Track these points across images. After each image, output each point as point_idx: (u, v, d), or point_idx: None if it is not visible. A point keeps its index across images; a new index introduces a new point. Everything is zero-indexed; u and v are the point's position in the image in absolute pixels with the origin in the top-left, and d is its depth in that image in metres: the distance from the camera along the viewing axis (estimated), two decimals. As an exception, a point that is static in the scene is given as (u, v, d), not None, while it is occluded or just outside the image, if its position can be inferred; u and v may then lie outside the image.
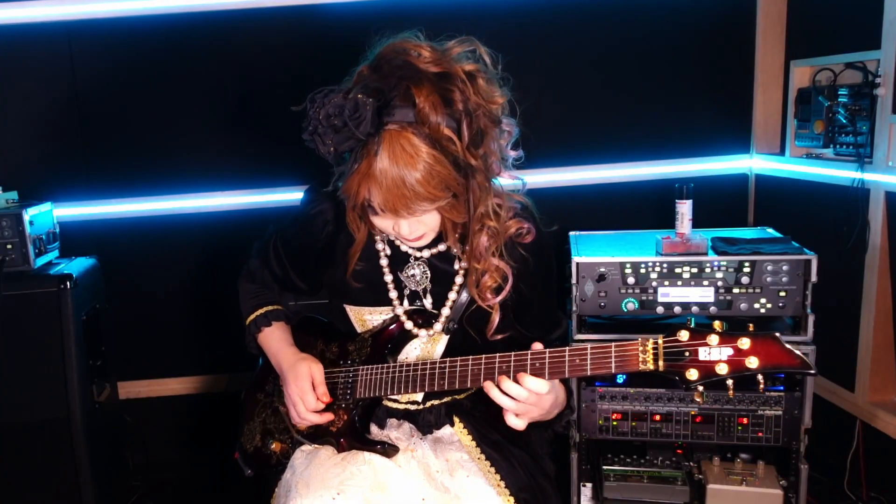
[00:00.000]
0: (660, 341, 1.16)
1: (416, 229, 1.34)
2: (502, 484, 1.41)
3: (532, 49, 2.66)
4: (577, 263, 2.03)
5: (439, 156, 1.22)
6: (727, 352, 1.12)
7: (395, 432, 1.51)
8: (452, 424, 1.51)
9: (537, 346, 1.29)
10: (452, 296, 1.47)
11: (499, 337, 1.49)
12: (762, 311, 1.97)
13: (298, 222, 1.55)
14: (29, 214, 2.17)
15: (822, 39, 2.43)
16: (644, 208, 2.71)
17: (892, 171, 2.11)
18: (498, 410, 1.37)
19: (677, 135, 2.74)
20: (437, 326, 1.47)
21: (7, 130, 2.63)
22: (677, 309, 2.01)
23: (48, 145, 2.65)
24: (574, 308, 2.05)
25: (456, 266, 1.47)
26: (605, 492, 2.05)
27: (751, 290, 1.97)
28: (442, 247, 1.47)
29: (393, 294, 1.48)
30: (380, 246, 1.49)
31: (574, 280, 2.04)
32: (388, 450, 1.43)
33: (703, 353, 1.13)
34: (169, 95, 2.66)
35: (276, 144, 2.74)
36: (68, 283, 2.14)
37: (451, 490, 1.38)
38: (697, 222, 2.08)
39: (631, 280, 2.02)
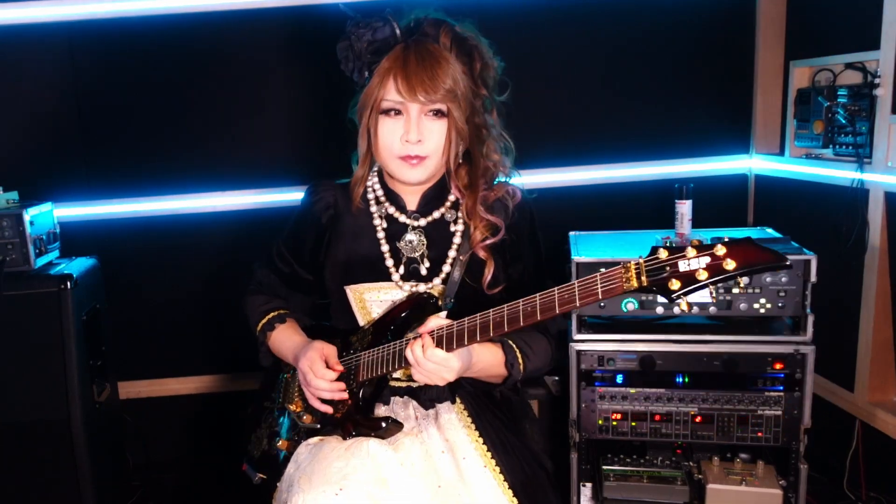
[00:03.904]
0: (641, 260, 1.21)
1: (421, 136, 1.44)
2: (498, 469, 1.44)
3: (532, 49, 2.66)
4: (577, 263, 2.03)
5: (458, 66, 1.44)
6: (705, 260, 1.17)
7: (402, 414, 1.54)
8: (453, 401, 1.55)
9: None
10: (446, 268, 1.54)
11: (496, 290, 1.54)
12: (762, 311, 1.97)
13: (301, 214, 1.65)
14: (29, 214, 2.17)
15: (821, 40, 2.43)
16: (644, 208, 2.71)
17: (892, 172, 2.11)
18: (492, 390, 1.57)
19: (677, 135, 2.74)
20: (437, 281, 1.54)
21: (7, 130, 2.63)
22: (677, 309, 2.01)
23: (48, 145, 2.65)
24: (574, 308, 2.05)
25: (452, 229, 1.56)
26: (605, 492, 2.05)
27: (750, 291, 1.97)
28: (437, 214, 1.57)
29: (389, 262, 1.55)
30: (377, 221, 1.58)
31: (574, 280, 2.04)
32: (392, 426, 1.45)
33: (683, 265, 1.18)
34: (169, 95, 2.66)
35: (277, 144, 2.74)
36: (68, 283, 2.14)
37: (453, 473, 1.41)
38: (697, 222, 2.08)
39: (631, 280, 2.02)
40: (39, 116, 2.64)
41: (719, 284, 1.18)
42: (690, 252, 1.18)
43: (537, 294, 1.30)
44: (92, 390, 2.29)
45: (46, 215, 2.30)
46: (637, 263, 1.21)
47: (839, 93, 2.26)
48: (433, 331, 1.38)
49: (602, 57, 2.69)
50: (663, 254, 1.20)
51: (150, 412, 2.82)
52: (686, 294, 1.18)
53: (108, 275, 2.52)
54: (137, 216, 2.70)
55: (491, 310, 1.34)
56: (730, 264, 1.15)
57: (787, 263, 1.16)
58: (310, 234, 1.63)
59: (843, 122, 2.23)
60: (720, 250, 1.16)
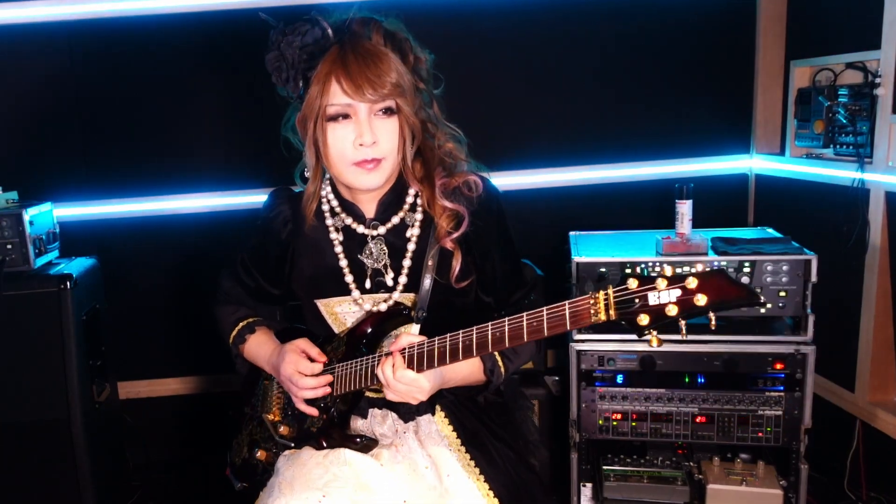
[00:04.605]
0: (609, 291, 1.17)
1: (375, 138, 1.37)
2: (482, 478, 1.42)
3: (531, 48, 2.66)
4: (577, 263, 2.03)
5: (398, 59, 1.37)
6: (676, 293, 1.12)
7: (380, 428, 1.51)
8: (433, 413, 1.51)
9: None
10: (407, 263, 1.48)
11: (464, 284, 1.48)
12: (762, 311, 1.97)
13: (260, 229, 1.59)
14: (29, 214, 2.16)
15: (822, 39, 2.43)
16: (644, 208, 2.71)
17: (892, 172, 2.11)
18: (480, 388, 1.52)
19: (677, 135, 2.74)
20: (396, 295, 1.48)
21: (7, 130, 2.63)
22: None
23: (48, 145, 2.65)
24: (574, 308, 2.04)
25: (408, 234, 1.48)
26: (605, 492, 2.05)
27: (751, 291, 1.97)
28: (396, 219, 1.49)
29: (349, 279, 1.49)
30: (333, 235, 1.51)
31: (574, 280, 2.04)
32: (368, 443, 1.44)
33: (653, 298, 1.13)
34: (169, 95, 2.66)
35: (277, 144, 2.74)
36: (68, 283, 2.14)
37: (437, 487, 1.40)
38: (697, 222, 2.08)
39: (631, 280, 2.02)
40: (39, 116, 2.64)
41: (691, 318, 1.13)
42: (661, 283, 1.13)
43: (506, 318, 1.26)
44: (92, 390, 2.28)
45: (46, 215, 2.30)
46: (606, 294, 1.17)
47: (840, 92, 2.26)
48: (404, 348, 1.35)
49: (602, 56, 2.69)
50: (633, 283, 1.15)
51: (150, 412, 2.82)
52: (655, 329, 1.14)
53: (107, 275, 2.51)
54: (137, 216, 2.70)
55: (461, 332, 1.31)
56: (701, 300, 1.10)
57: (761, 301, 1.12)
58: (272, 251, 1.57)
59: (844, 121, 2.23)
60: (691, 283, 1.11)
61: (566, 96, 2.71)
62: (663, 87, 2.71)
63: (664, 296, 1.13)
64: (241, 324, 1.63)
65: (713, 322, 1.14)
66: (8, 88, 2.60)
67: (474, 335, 1.29)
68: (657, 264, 2.01)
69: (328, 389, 1.47)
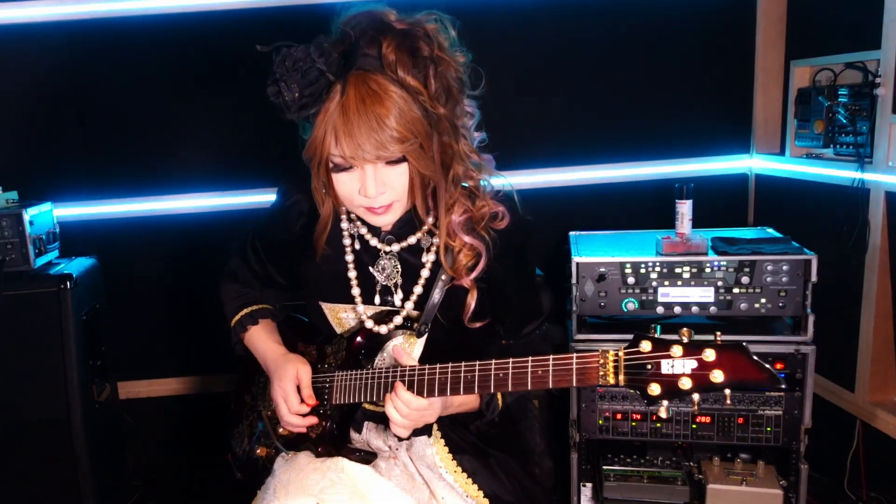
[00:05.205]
0: (621, 353, 1.10)
1: (381, 188, 1.29)
2: (480, 494, 1.40)
3: (531, 48, 2.66)
4: (577, 263, 2.03)
5: (408, 98, 1.23)
6: (691, 364, 1.05)
7: (377, 441, 1.50)
8: (429, 434, 1.47)
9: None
10: (418, 290, 1.42)
11: (478, 324, 1.44)
12: (762, 311, 1.97)
13: (274, 216, 1.54)
14: (29, 214, 2.17)
15: (822, 39, 2.43)
16: (644, 208, 2.71)
17: (893, 171, 2.11)
18: (475, 415, 1.46)
19: (677, 135, 2.74)
20: (398, 319, 1.43)
21: (7, 130, 2.63)
22: (677, 309, 2.02)
23: (48, 145, 2.65)
24: (574, 308, 2.05)
25: (423, 258, 1.43)
26: (605, 492, 2.05)
27: (751, 290, 1.97)
28: (412, 239, 1.43)
29: (355, 291, 1.45)
30: (347, 241, 1.46)
31: (574, 280, 2.04)
32: (367, 457, 1.43)
33: (666, 367, 1.06)
34: (169, 95, 2.66)
35: (279, 144, 2.74)
36: (68, 283, 2.14)
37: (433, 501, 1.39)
38: (697, 222, 2.08)
39: (631, 280, 2.02)
40: (39, 116, 2.64)
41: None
42: (676, 350, 1.05)
43: (511, 360, 1.22)
44: (92, 390, 2.29)
45: (46, 215, 2.30)
46: (616, 356, 1.10)
47: (840, 92, 2.26)
48: (404, 373, 1.31)
49: (602, 56, 2.69)
50: (646, 346, 1.07)
51: (150, 412, 2.82)
52: (667, 400, 1.06)
53: (107, 275, 2.51)
54: (137, 216, 2.70)
55: (463, 365, 1.26)
56: (717, 376, 1.03)
57: (783, 387, 1.04)
58: (283, 241, 1.52)
59: (844, 121, 2.23)
60: (709, 355, 1.03)
61: (566, 96, 2.71)
62: (663, 87, 2.71)
63: (678, 365, 1.06)
64: (243, 311, 1.59)
65: (728, 400, 1.06)
66: (8, 88, 2.60)
67: (477, 372, 1.25)
68: (657, 264, 2.01)
69: (315, 421, 1.45)
